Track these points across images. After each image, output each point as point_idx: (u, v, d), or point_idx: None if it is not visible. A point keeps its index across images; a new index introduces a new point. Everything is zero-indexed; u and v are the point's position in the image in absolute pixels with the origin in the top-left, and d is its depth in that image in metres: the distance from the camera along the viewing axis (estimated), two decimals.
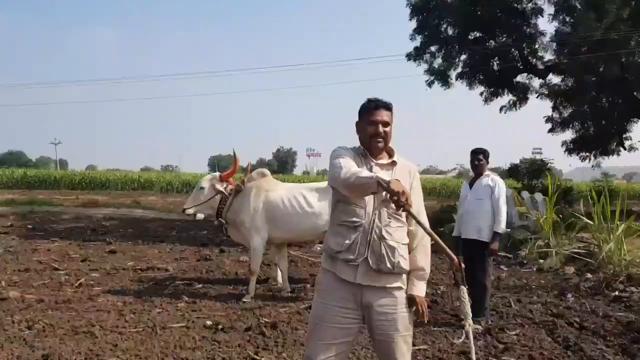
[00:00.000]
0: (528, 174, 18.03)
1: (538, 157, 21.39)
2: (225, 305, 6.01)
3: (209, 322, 5.24)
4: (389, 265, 2.62)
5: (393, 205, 2.55)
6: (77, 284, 6.92)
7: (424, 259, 2.79)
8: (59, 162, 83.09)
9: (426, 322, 2.80)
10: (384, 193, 2.55)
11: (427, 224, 2.73)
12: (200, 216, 6.63)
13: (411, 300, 2.71)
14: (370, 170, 2.69)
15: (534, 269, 8.71)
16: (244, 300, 6.18)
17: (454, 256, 2.60)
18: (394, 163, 2.77)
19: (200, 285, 7.06)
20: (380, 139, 2.73)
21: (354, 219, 2.65)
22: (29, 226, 13.98)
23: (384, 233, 2.63)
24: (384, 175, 2.67)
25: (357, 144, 2.84)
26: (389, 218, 2.66)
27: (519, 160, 20.20)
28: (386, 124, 2.74)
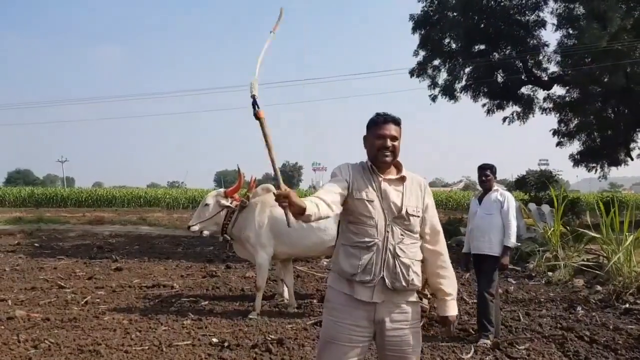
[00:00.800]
0: (535, 186, 17.93)
1: (545, 168, 21.33)
2: (231, 322, 5.96)
3: (215, 340, 5.20)
4: (404, 283, 2.59)
5: (405, 222, 2.61)
6: (83, 302, 6.91)
7: (452, 282, 2.77)
8: (65, 179, 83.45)
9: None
10: (394, 209, 2.60)
11: (443, 240, 2.79)
12: (206, 233, 6.61)
13: (444, 320, 2.75)
14: (379, 186, 2.66)
15: (543, 282, 8.63)
16: (251, 316, 6.14)
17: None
18: (403, 178, 2.73)
19: (206, 302, 7.02)
20: (389, 153, 2.68)
21: (367, 239, 2.60)
22: (36, 244, 14.01)
23: (397, 251, 2.60)
24: (394, 191, 2.66)
25: (364, 158, 2.80)
26: (402, 235, 2.62)
27: (525, 172, 20.13)
28: (394, 138, 2.70)
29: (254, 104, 2.52)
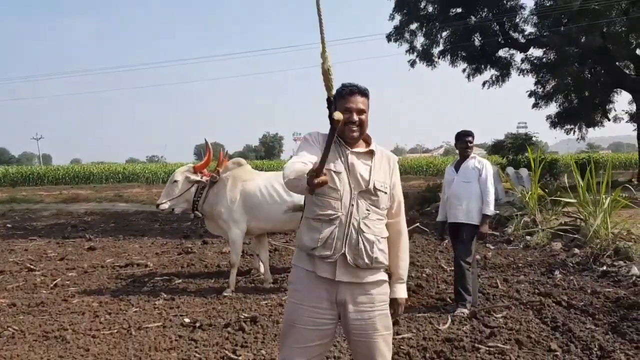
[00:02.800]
0: (512, 149, 17.95)
1: (524, 131, 21.35)
2: (204, 300, 5.82)
3: (186, 320, 5.05)
4: (367, 260, 2.44)
5: (372, 197, 2.48)
6: (52, 285, 6.71)
7: (406, 261, 2.68)
8: (42, 157, 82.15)
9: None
10: (362, 183, 2.47)
11: (403, 214, 2.67)
12: (177, 210, 6.42)
13: (393, 302, 2.60)
14: (347, 158, 2.50)
15: (521, 246, 8.62)
16: (225, 294, 6.00)
17: None
18: (371, 152, 2.58)
19: (180, 281, 6.86)
20: (356, 128, 2.52)
21: (329, 211, 2.45)
22: (8, 225, 13.68)
23: (362, 226, 2.45)
24: (362, 165, 2.52)
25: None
26: (367, 210, 2.47)
27: (504, 136, 20.13)
28: (361, 111, 2.53)
29: (331, 104, 2.21)
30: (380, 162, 2.59)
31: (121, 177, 41.30)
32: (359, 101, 2.53)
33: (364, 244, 2.44)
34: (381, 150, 2.65)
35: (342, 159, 2.51)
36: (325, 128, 2.34)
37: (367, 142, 2.64)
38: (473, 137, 5.43)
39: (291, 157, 2.54)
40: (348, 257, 2.43)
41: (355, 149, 2.56)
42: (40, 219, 15.19)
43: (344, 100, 2.52)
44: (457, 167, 5.51)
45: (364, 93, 2.56)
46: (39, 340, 4.60)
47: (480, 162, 5.39)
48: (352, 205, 2.45)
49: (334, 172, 2.46)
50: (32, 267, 7.89)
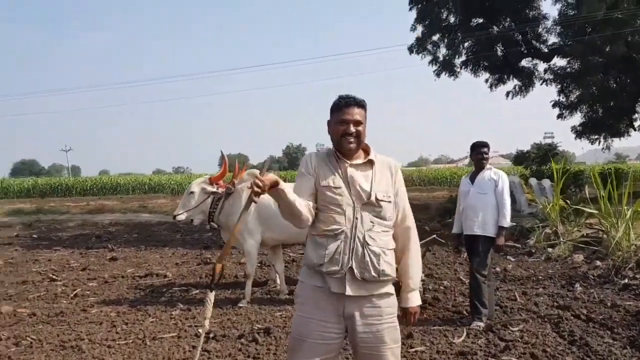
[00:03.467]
0: (536, 160, 17.71)
1: (550, 141, 21.07)
2: (220, 311, 5.85)
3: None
4: (373, 273, 2.43)
5: (376, 208, 2.47)
6: (72, 295, 6.82)
7: (417, 269, 2.66)
8: (71, 168, 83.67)
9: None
10: (363, 195, 2.47)
11: (412, 221, 2.65)
12: (196, 221, 6.48)
13: (405, 312, 2.61)
14: (345, 172, 2.50)
15: (542, 259, 8.49)
16: (240, 304, 6.03)
17: (221, 260, 2.58)
18: (370, 162, 2.57)
19: (198, 291, 6.91)
20: (352, 139, 2.51)
21: (334, 226, 2.45)
22: (34, 236, 13.97)
23: (367, 239, 2.44)
24: (362, 177, 2.51)
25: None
26: (372, 222, 2.46)
27: (529, 146, 19.90)
28: (358, 122, 2.52)
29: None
30: (382, 171, 2.58)
31: (147, 188, 41.76)
32: (355, 112, 2.52)
33: (370, 257, 2.43)
34: (381, 158, 2.63)
35: (341, 172, 2.51)
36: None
37: (366, 151, 2.63)
38: (488, 148, 5.39)
39: None
40: (355, 271, 2.42)
41: (354, 161, 2.56)
42: (65, 229, 15.48)
43: (341, 112, 2.53)
44: (472, 178, 5.46)
45: (361, 104, 2.56)
46: (56, 350, 4.68)
47: (496, 173, 5.34)
48: (357, 218, 2.44)
49: (333, 187, 2.48)
50: (54, 277, 8.04)
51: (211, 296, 2.56)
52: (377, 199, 2.48)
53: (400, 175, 2.66)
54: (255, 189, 2.27)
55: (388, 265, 2.49)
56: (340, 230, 2.44)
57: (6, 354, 4.57)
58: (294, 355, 2.53)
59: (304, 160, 2.61)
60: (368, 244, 2.43)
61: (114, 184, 42.38)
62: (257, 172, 6.58)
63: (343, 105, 2.53)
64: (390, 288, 2.55)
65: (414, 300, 2.63)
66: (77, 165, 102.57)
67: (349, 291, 2.43)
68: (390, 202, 2.53)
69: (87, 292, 7.05)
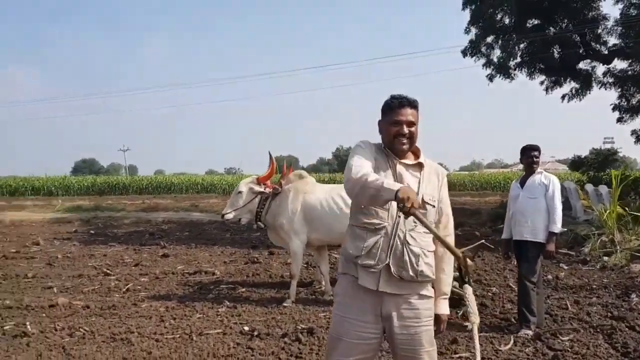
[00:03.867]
0: (594, 166, 17.08)
1: (610, 147, 20.31)
2: (265, 310, 5.92)
3: (246, 328, 5.16)
4: (411, 273, 2.41)
5: (420, 210, 2.39)
6: (124, 290, 7.04)
7: (450, 277, 2.66)
8: (128, 168, 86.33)
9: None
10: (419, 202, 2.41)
11: (452, 229, 2.62)
12: (244, 221, 6.58)
13: (436, 319, 2.57)
14: (394, 169, 2.49)
15: (597, 267, 8.18)
16: (285, 304, 6.08)
17: (459, 253, 2.40)
18: (420, 165, 2.56)
19: (244, 289, 7.02)
20: (405, 140, 2.51)
21: (376, 220, 2.44)
22: (92, 231, 14.50)
23: (408, 238, 2.42)
24: (411, 177, 2.50)
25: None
26: (415, 222, 2.43)
27: (588, 152, 19.23)
28: (411, 123, 2.51)
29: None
30: (430, 176, 2.57)
31: (200, 188, 42.65)
32: (408, 113, 2.51)
33: (409, 256, 2.41)
34: (430, 163, 2.62)
35: (391, 169, 2.50)
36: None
37: (416, 154, 2.61)
38: (539, 152, 5.25)
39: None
40: (392, 269, 2.40)
41: (404, 160, 2.55)
42: (121, 226, 16.01)
43: (393, 113, 2.52)
44: (522, 183, 5.33)
45: (414, 105, 2.54)
46: (107, 342, 4.84)
47: (547, 178, 5.20)
48: (399, 216, 2.42)
49: None
50: (108, 271, 8.33)
51: (469, 290, 2.53)
52: (423, 201, 2.47)
53: (446, 183, 2.65)
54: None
55: (427, 266, 2.47)
56: (381, 226, 2.43)
57: (60, 344, 4.76)
58: (332, 354, 2.55)
59: (364, 143, 2.58)
60: (408, 243, 2.42)
61: (168, 183, 43.50)
62: (304, 172, 6.63)
63: (396, 105, 2.52)
64: (428, 290, 2.53)
65: (445, 307, 2.62)
66: (134, 164, 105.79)
67: (381, 287, 2.42)
68: (434, 206, 2.53)
69: (139, 287, 7.27)
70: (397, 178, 2.47)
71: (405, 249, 2.41)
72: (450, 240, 2.60)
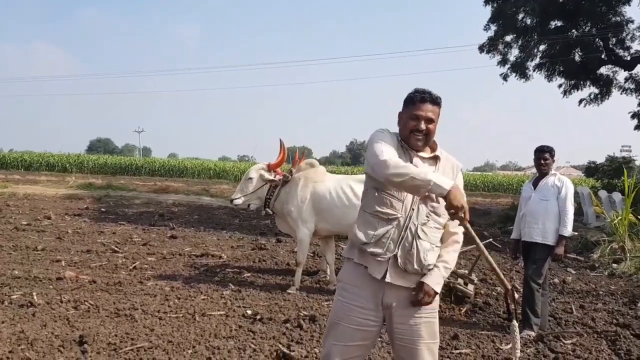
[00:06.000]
0: (608, 173, 16.91)
1: (626, 155, 20.10)
2: (269, 295, 5.94)
3: (249, 312, 5.18)
4: (416, 266, 2.42)
5: (433, 203, 2.44)
6: (131, 267, 7.09)
7: (452, 254, 2.56)
8: (142, 150, 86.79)
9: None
10: (434, 197, 2.39)
11: (460, 237, 2.59)
12: (253, 206, 6.59)
13: (420, 286, 2.45)
14: (411, 161, 2.47)
15: (605, 274, 8.13)
16: (289, 291, 6.10)
17: (508, 285, 2.42)
18: (436, 157, 2.54)
19: (249, 274, 7.05)
20: (421, 136, 2.48)
21: (389, 211, 2.44)
22: (102, 209, 14.60)
23: (419, 232, 2.43)
24: (425, 169, 2.47)
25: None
26: (427, 216, 2.45)
27: (604, 159, 19.03)
28: (430, 120, 2.48)
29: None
30: (445, 169, 2.55)
31: (212, 174, 42.92)
32: (429, 109, 2.48)
33: (417, 249, 2.41)
34: (446, 156, 2.60)
35: (407, 161, 2.48)
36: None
37: (433, 148, 2.60)
38: (551, 154, 5.18)
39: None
40: (399, 260, 2.41)
41: (421, 153, 2.53)
42: (131, 206, 16.09)
43: (414, 107, 2.49)
44: (535, 184, 5.30)
45: (436, 101, 2.51)
46: (110, 317, 4.89)
47: (560, 180, 5.14)
48: (413, 209, 2.43)
49: None
50: (116, 249, 8.39)
51: (516, 327, 2.51)
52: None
53: (461, 177, 2.62)
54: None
55: (434, 260, 2.47)
56: (394, 216, 2.43)
57: (65, 316, 4.82)
58: (329, 337, 2.57)
59: (383, 129, 2.56)
60: (419, 237, 2.42)
61: (181, 167, 43.82)
62: (315, 161, 6.61)
63: (418, 100, 2.49)
64: None
65: (434, 281, 2.45)
66: (148, 146, 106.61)
67: (389, 278, 2.42)
68: None
69: (145, 265, 7.32)
70: None
71: (415, 242, 2.41)
72: (460, 237, 2.59)
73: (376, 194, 2.49)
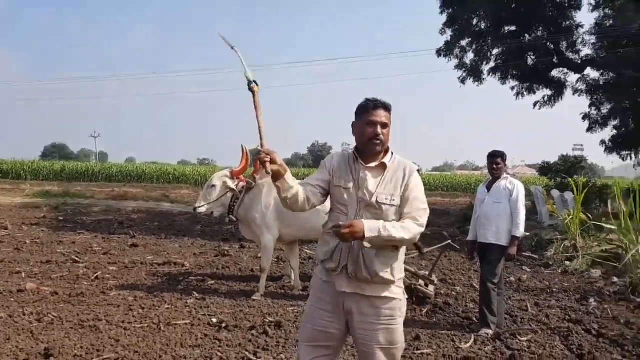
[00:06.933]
0: (561, 172, 17.51)
1: (579, 154, 20.81)
2: (234, 302, 5.98)
3: (214, 320, 5.22)
4: (365, 273, 2.54)
5: (376, 210, 2.56)
6: (93, 278, 7.02)
7: (391, 229, 2.45)
8: (99, 154, 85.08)
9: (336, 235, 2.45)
10: (367, 197, 2.57)
11: (418, 217, 2.55)
12: (216, 214, 6.60)
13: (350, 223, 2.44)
14: (358, 174, 2.60)
15: (559, 271, 8.46)
16: (254, 297, 6.15)
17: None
18: (383, 165, 2.64)
19: (213, 282, 7.05)
20: (379, 141, 2.60)
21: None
22: (60, 218, 14.31)
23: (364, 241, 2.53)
24: (372, 179, 2.59)
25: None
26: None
27: (557, 158, 19.69)
28: (385, 125, 2.61)
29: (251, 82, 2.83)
30: (393, 175, 2.63)
31: (171, 178, 42.33)
32: (382, 115, 2.61)
33: (363, 257, 2.53)
34: (399, 161, 2.68)
35: (354, 174, 2.62)
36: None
37: (383, 155, 2.68)
38: (502, 159, 5.40)
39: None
40: (349, 269, 2.55)
41: (370, 164, 2.64)
42: (90, 214, 15.81)
43: (368, 114, 2.61)
44: (488, 187, 5.50)
45: (388, 107, 2.64)
46: (75, 328, 4.86)
47: (512, 183, 5.36)
48: (356, 218, 2.53)
49: (343, 188, 2.61)
50: (77, 259, 8.27)
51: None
52: (377, 202, 2.56)
53: (415, 178, 2.64)
54: (265, 157, 2.48)
55: (383, 267, 2.55)
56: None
57: (29, 329, 4.77)
58: (300, 339, 2.75)
59: (327, 157, 2.77)
60: (364, 245, 2.51)
61: (139, 172, 43.08)
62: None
63: (371, 107, 2.62)
64: (391, 292, 2.61)
65: (368, 224, 2.43)
66: (104, 151, 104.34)
67: (343, 287, 2.58)
68: (393, 205, 2.57)
69: (107, 275, 7.25)
70: (360, 182, 2.59)
71: (360, 250, 2.54)
72: (412, 223, 2.53)
73: (330, 214, 2.71)
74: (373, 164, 2.64)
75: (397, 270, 2.61)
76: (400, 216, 2.59)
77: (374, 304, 2.58)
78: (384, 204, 2.56)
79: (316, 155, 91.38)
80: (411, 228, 2.51)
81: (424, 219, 2.58)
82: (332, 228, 2.50)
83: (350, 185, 2.60)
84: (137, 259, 8.48)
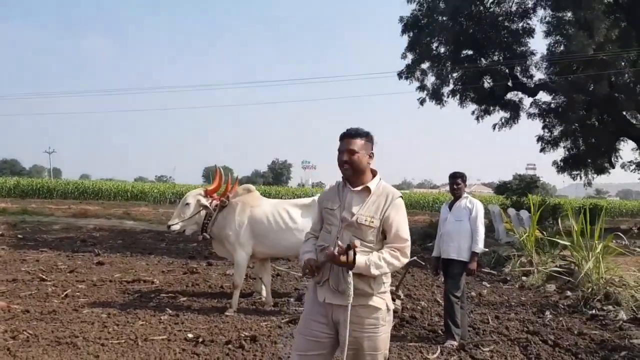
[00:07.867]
0: (517, 191, 18.21)
1: (531, 172, 21.63)
2: (207, 318, 6.10)
3: (190, 335, 5.33)
4: (343, 285, 2.75)
5: (356, 230, 2.83)
6: (63, 295, 7.01)
7: (376, 259, 2.75)
8: (52, 171, 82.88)
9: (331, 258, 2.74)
10: (348, 217, 2.84)
11: (402, 244, 2.83)
12: (188, 232, 6.73)
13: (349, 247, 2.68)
14: (345, 197, 2.88)
15: (516, 286, 8.84)
16: (227, 313, 6.28)
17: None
18: (367, 189, 2.89)
19: (185, 298, 7.15)
20: (347, 166, 2.87)
21: (322, 243, 2.90)
22: (20, 236, 14.04)
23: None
24: (357, 202, 2.85)
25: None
26: (351, 240, 2.76)
27: (511, 177, 20.45)
28: (352, 152, 2.85)
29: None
30: (377, 199, 2.88)
31: (129, 195, 41.82)
32: (349, 142, 2.87)
33: (342, 271, 2.76)
34: (383, 187, 2.93)
35: (341, 197, 2.92)
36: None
37: (367, 180, 2.93)
38: (463, 179, 5.76)
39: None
40: (331, 282, 2.81)
41: (356, 188, 2.90)
42: (50, 232, 15.54)
43: (340, 144, 2.92)
44: (450, 206, 5.83)
45: (359, 135, 2.89)
46: (52, 345, 4.90)
47: (471, 202, 5.71)
48: (337, 236, 2.82)
49: (329, 209, 2.92)
50: (44, 277, 8.21)
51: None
52: (357, 222, 2.82)
53: (398, 204, 2.88)
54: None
55: (359, 280, 2.76)
56: (326, 246, 2.83)
57: (5, 346, 4.78)
58: (293, 348, 2.99)
59: (320, 197, 3.14)
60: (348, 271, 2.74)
61: (95, 188, 42.41)
62: (252, 187, 6.89)
63: (341, 137, 2.93)
64: (377, 302, 2.84)
65: (362, 258, 2.70)
66: (58, 167, 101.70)
67: (327, 299, 2.83)
68: (371, 227, 2.82)
69: (77, 293, 7.24)
70: (345, 204, 2.87)
71: (340, 267, 2.75)
72: (394, 253, 2.80)
73: (321, 233, 3.00)
74: (358, 188, 2.90)
75: (376, 284, 2.83)
76: (381, 242, 2.86)
77: (359, 313, 2.80)
78: (363, 224, 2.81)
79: (276, 173, 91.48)
80: (396, 264, 2.82)
81: (408, 251, 2.89)
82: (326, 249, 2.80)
83: (336, 206, 2.89)
84: (105, 277, 8.47)
